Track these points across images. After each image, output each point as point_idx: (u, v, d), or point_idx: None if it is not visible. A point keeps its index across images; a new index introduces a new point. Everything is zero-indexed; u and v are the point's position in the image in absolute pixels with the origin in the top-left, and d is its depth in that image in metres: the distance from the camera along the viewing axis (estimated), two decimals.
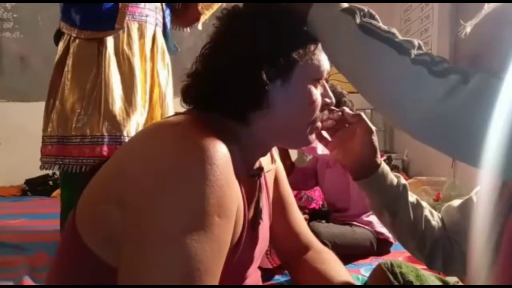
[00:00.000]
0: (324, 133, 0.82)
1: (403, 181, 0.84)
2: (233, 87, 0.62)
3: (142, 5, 1.67)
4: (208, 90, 0.64)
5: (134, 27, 1.66)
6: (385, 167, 0.83)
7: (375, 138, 0.81)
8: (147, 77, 1.69)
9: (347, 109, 0.81)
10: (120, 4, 1.58)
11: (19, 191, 3.64)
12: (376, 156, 0.81)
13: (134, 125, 1.59)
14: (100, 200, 0.56)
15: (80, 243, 0.57)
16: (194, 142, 0.53)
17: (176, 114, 0.67)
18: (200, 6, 1.86)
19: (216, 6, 1.90)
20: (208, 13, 1.90)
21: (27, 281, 1.55)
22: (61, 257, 0.63)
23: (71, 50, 1.61)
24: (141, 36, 1.68)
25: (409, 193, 0.85)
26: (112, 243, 0.53)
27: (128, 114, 1.60)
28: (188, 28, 1.99)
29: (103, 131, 1.56)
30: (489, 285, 0.66)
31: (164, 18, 1.79)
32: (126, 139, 1.54)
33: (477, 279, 0.69)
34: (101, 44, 1.59)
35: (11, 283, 1.56)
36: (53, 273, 0.64)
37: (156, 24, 1.74)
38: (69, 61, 1.61)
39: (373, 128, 0.81)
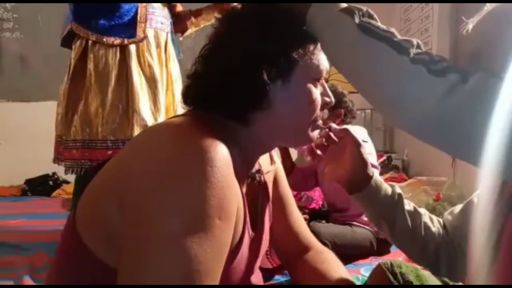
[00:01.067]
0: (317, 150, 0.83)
1: (398, 190, 0.85)
2: (234, 88, 0.62)
3: (157, 12, 1.70)
4: (209, 91, 0.63)
5: (151, 35, 1.68)
6: (377, 178, 0.83)
7: (363, 150, 0.81)
8: (163, 83, 1.71)
9: (333, 125, 0.81)
10: (139, 11, 1.62)
11: (19, 191, 3.64)
12: (367, 168, 0.82)
13: None
14: (100, 201, 0.56)
15: (80, 243, 0.57)
16: (195, 144, 0.53)
17: (176, 115, 0.68)
18: (190, 21, 1.90)
19: (203, 25, 1.93)
20: (194, 29, 1.95)
21: (27, 281, 1.55)
22: (61, 257, 0.63)
23: (91, 54, 1.60)
24: (158, 43, 1.71)
25: (406, 201, 0.85)
26: (111, 243, 0.53)
27: (156, 120, 1.62)
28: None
29: (134, 135, 1.56)
30: (489, 285, 0.66)
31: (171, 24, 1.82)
32: None
33: (477, 279, 0.69)
34: (123, 50, 1.61)
35: (11, 283, 1.56)
36: (53, 273, 0.64)
37: (168, 32, 1.78)
38: (91, 65, 1.60)
39: (360, 141, 0.81)
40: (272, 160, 0.84)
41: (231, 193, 0.54)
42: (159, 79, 1.66)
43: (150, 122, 1.59)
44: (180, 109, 1.76)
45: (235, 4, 1.94)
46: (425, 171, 3.37)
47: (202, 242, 0.49)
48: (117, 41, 1.60)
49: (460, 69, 0.54)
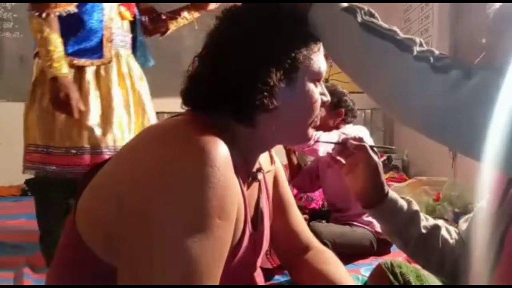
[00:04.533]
0: (339, 157, 0.83)
1: (414, 206, 0.83)
2: (243, 90, 0.61)
3: (117, 31, 1.75)
4: (215, 92, 0.63)
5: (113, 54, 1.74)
6: (392, 196, 0.82)
7: (381, 170, 0.80)
8: (129, 91, 1.78)
9: (350, 140, 0.81)
10: (105, 33, 1.69)
11: (19, 191, 3.63)
12: (383, 187, 0.81)
13: (110, 141, 1.69)
14: (100, 200, 0.56)
15: (80, 243, 0.57)
16: (195, 144, 0.53)
17: (176, 115, 0.67)
18: (171, 22, 1.99)
19: (183, 24, 2.02)
20: (174, 28, 2.03)
21: (27, 281, 1.55)
22: (61, 256, 0.63)
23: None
24: (117, 59, 1.76)
25: (423, 215, 0.83)
26: (112, 243, 0.53)
27: (104, 133, 1.67)
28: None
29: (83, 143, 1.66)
30: (489, 285, 0.66)
31: (135, 37, 1.86)
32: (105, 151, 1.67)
33: (479, 279, 0.69)
34: (81, 70, 1.67)
35: (11, 283, 1.56)
36: (53, 272, 0.64)
37: (126, 47, 1.82)
38: None
39: (378, 161, 0.80)
40: (272, 160, 0.84)
41: (232, 193, 0.54)
42: (116, 93, 1.72)
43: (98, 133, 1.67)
44: (151, 108, 1.87)
45: (214, 4, 1.95)
46: (425, 171, 3.37)
47: (202, 242, 0.49)
48: (87, 62, 1.67)
49: (463, 66, 0.54)
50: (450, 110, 0.53)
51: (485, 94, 0.51)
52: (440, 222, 0.85)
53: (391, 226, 0.83)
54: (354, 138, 0.82)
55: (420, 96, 0.55)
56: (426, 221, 0.83)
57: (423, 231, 0.81)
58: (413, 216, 0.82)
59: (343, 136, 1.87)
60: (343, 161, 0.83)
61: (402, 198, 0.84)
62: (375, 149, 0.83)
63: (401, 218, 0.81)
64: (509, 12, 0.66)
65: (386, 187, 0.82)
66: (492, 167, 0.55)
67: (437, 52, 0.57)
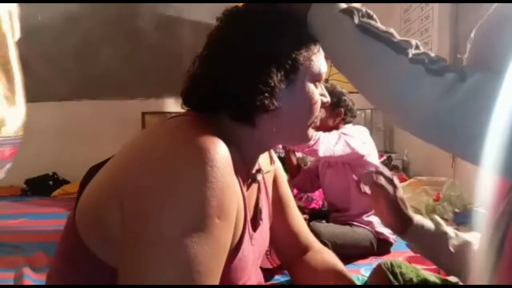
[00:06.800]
0: (366, 188, 0.88)
1: (443, 228, 0.86)
2: (243, 90, 0.61)
3: None
4: (215, 93, 0.63)
5: None
6: (418, 222, 0.86)
7: (399, 204, 0.84)
8: None
9: (367, 174, 0.85)
10: None
11: (19, 191, 3.64)
12: (406, 216, 0.85)
13: None
14: (100, 201, 0.56)
15: (80, 243, 0.57)
16: (195, 144, 0.53)
17: (176, 116, 0.67)
18: None
19: None
20: None
21: (27, 281, 1.55)
22: (61, 257, 0.63)
23: None
24: None
25: (454, 233, 0.86)
26: (112, 243, 0.53)
27: None
28: None
29: None
30: (489, 285, 0.66)
31: None
32: None
33: (479, 280, 0.69)
34: None
35: (11, 283, 1.56)
36: (53, 273, 0.64)
37: None
38: None
39: (398, 194, 0.84)
40: (271, 160, 0.84)
41: (231, 193, 0.54)
42: None
43: None
44: None
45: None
46: (425, 171, 3.37)
47: (202, 242, 0.49)
48: None
49: (458, 69, 0.54)
50: (445, 113, 0.53)
51: (480, 97, 0.52)
52: (472, 236, 0.86)
53: (421, 251, 0.87)
54: (371, 172, 0.86)
55: (415, 99, 0.55)
56: (456, 238, 0.85)
57: (452, 250, 0.83)
58: (440, 239, 0.85)
59: (343, 136, 1.88)
60: (368, 191, 0.88)
61: (431, 219, 0.88)
62: (395, 178, 0.86)
63: (428, 243, 0.85)
64: (501, 16, 0.66)
65: (411, 215, 0.86)
66: (490, 170, 0.55)
67: (432, 54, 0.57)
